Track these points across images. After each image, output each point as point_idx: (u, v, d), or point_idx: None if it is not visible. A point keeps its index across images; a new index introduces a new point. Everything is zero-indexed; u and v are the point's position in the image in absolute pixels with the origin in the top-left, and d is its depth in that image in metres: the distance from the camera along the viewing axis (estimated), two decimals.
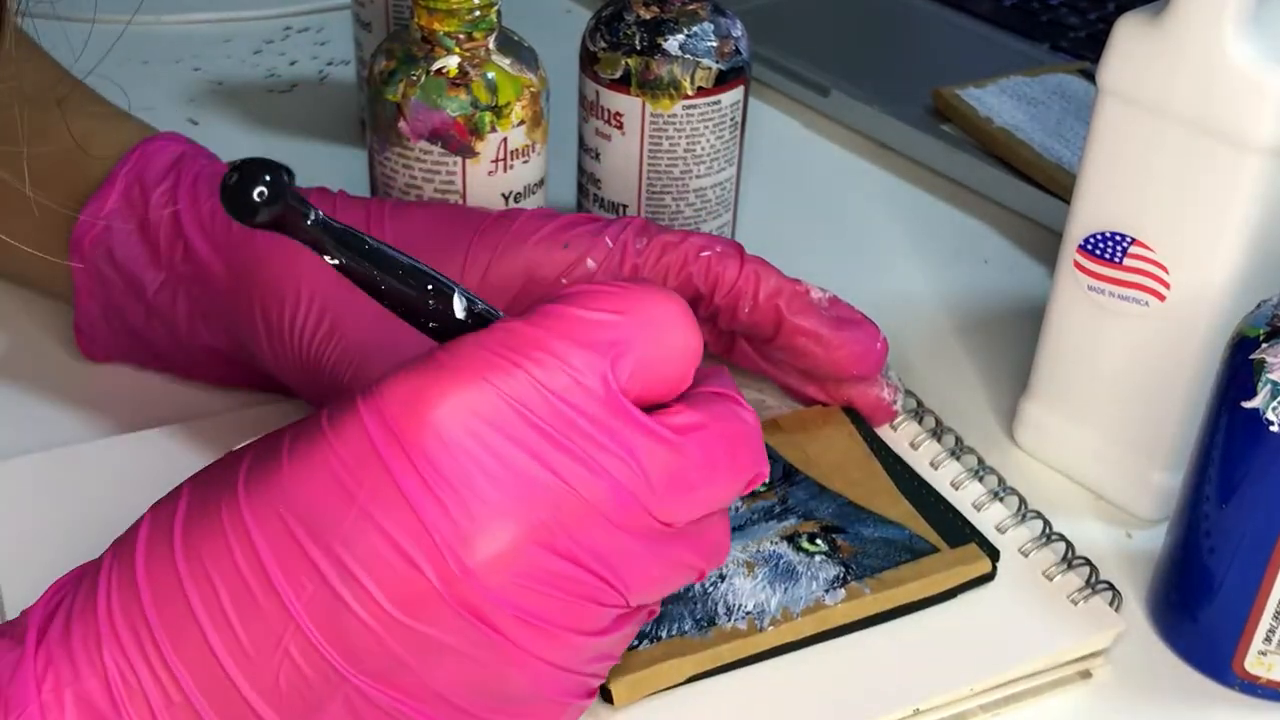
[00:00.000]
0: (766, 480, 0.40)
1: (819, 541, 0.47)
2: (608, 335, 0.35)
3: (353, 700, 0.33)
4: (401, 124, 0.55)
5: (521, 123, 0.55)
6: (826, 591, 0.46)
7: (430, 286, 0.35)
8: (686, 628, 0.44)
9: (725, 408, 0.37)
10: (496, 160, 0.55)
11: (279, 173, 0.32)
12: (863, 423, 0.53)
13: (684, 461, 0.35)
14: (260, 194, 0.31)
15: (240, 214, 0.31)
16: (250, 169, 0.31)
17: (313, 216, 0.33)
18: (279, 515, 0.33)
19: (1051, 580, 0.48)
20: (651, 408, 0.36)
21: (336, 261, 0.34)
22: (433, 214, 0.52)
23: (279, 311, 0.49)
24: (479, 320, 0.36)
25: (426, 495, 0.33)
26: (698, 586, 0.45)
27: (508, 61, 0.55)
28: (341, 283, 0.49)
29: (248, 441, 0.38)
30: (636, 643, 0.43)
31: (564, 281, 0.51)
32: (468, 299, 0.36)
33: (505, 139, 0.55)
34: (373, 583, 0.33)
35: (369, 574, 0.33)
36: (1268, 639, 0.45)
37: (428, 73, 0.54)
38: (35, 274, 0.58)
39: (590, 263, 0.51)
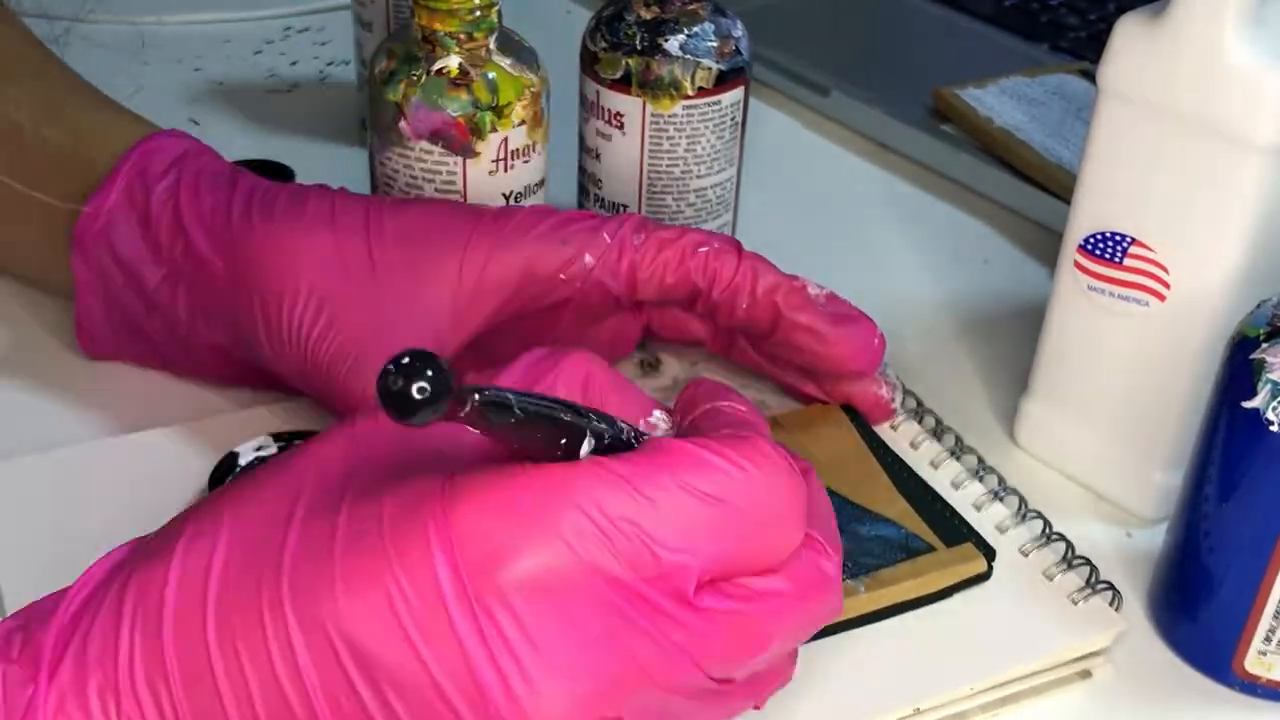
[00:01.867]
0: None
1: None
2: (708, 533, 0.33)
3: None
4: (402, 124, 0.55)
5: (522, 123, 0.55)
6: None
7: (564, 441, 0.33)
8: None
9: (807, 562, 0.36)
10: (497, 160, 0.55)
11: (438, 366, 0.29)
12: (862, 421, 0.53)
13: (753, 627, 0.34)
14: (422, 390, 0.29)
15: (401, 414, 0.29)
16: (411, 370, 0.29)
17: (469, 405, 0.30)
18: (327, 635, 0.32)
19: (1052, 580, 0.48)
20: None
21: (480, 429, 0.32)
22: (431, 210, 0.52)
23: (277, 306, 0.50)
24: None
25: (487, 659, 0.31)
26: None
27: (508, 61, 0.55)
28: (339, 278, 0.50)
29: (290, 455, 0.36)
30: None
31: (562, 277, 0.51)
32: (597, 439, 0.34)
33: (506, 139, 0.55)
34: None
35: (412, 716, 0.32)
36: (1267, 639, 0.45)
37: (428, 73, 0.54)
38: (37, 269, 0.58)
39: (588, 258, 0.51)
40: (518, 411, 0.32)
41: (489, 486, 0.32)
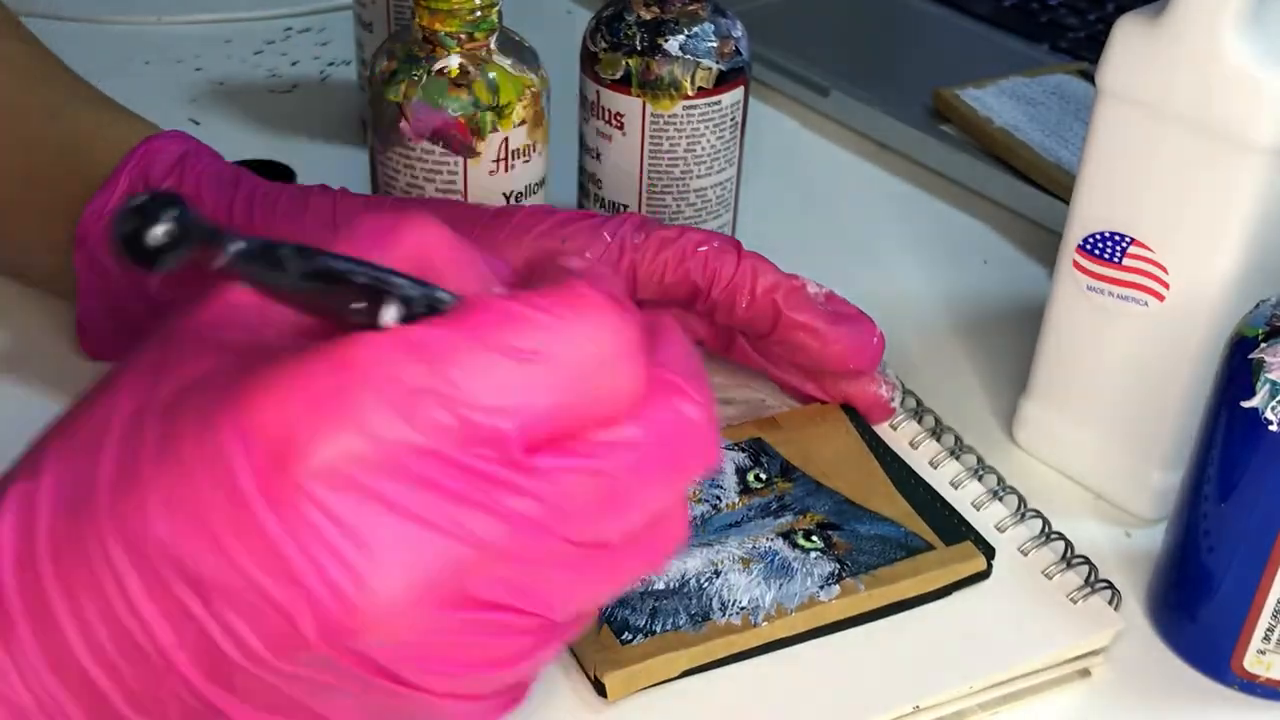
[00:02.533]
0: (716, 468, 0.37)
1: (815, 538, 0.48)
2: (526, 389, 0.31)
3: None
4: (403, 124, 0.55)
5: (523, 122, 0.56)
6: (821, 588, 0.46)
7: (354, 306, 0.31)
8: (681, 622, 0.44)
9: (667, 406, 0.33)
10: (498, 160, 0.56)
11: (183, 208, 0.26)
12: (861, 421, 0.53)
13: (611, 484, 0.32)
14: (166, 234, 0.26)
15: (136, 259, 0.26)
16: (147, 211, 0.26)
17: (224, 256, 0.28)
18: (151, 561, 0.30)
19: (1051, 579, 0.48)
20: None
21: (251, 285, 0.29)
22: (431, 210, 0.52)
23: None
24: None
25: (306, 560, 0.29)
26: (693, 582, 0.46)
27: (509, 61, 0.55)
28: None
29: (108, 374, 0.34)
30: (630, 637, 0.44)
31: None
32: (406, 305, 0.31)
33: (506, 139, 0.55)
34: (250, 633, 0.30)
35: (246, 624, 0.30)
36: (1266, 638, 0.45)
37: (429, 73, 0.54)
38: (39, 270, 0.58)
39: (589, 256, 0.51)
40: (290, 270, 0.29)
41: (280, 374, 0.30)
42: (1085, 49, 0.84)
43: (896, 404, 0.54)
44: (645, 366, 0.33)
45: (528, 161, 0.57)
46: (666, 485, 0.33)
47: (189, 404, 0.31)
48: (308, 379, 0.30)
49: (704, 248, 0.52)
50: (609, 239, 0.52)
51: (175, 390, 0.32)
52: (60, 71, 0.59)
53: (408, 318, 0.31)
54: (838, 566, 0.47)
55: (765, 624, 0.45)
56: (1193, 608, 0.47)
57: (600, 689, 0.43)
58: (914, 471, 0.51)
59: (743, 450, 0.52)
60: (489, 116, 0.55)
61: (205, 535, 0.30)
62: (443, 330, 0.31)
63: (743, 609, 0.45)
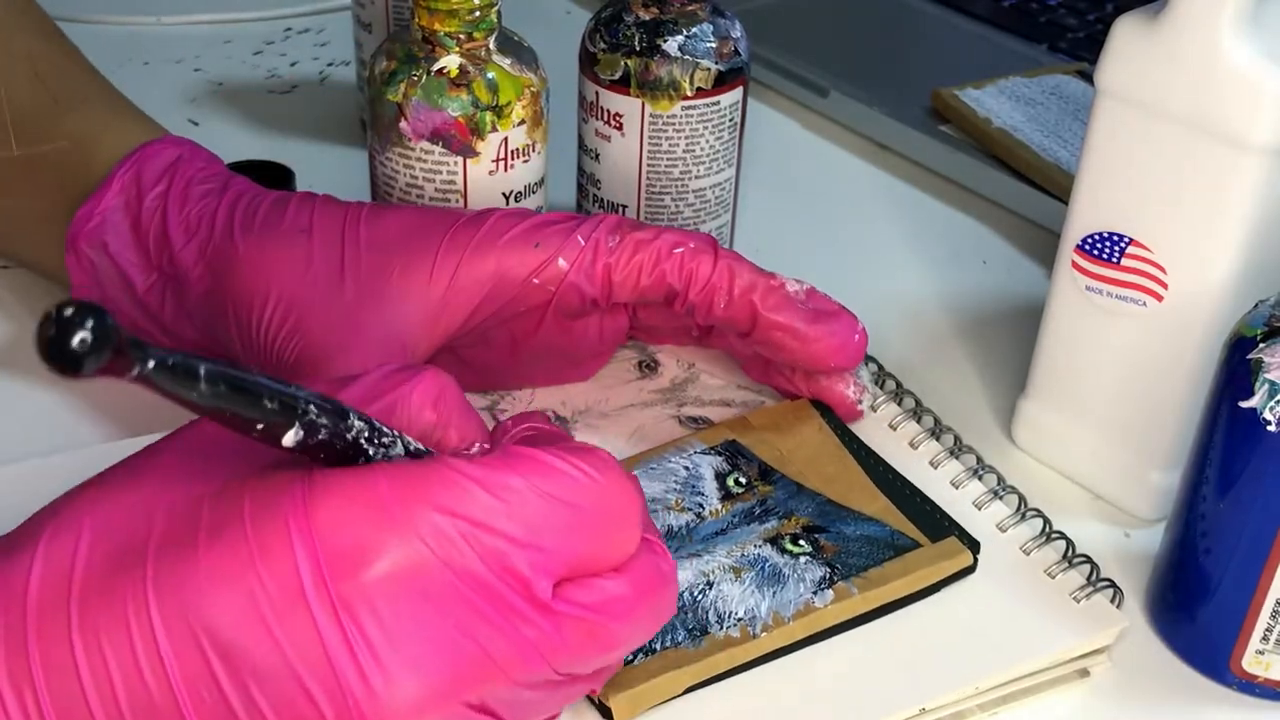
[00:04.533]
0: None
1: (802, 542, 0.47)
2: (557, 533, 0.35)
3: None
4: (402, 124, 0.55)
5: (522, 122, 0.56)
6: (815, 593, 0.46)
7: (260, 426, 0.33)
8: (680, 638, 0.44)
9: (648, 564, 0.38)
10: (497, 160, 0.56)
11: (102, 318, 0.28)
12: (832, 416, 0.53)
13: (603, 631, 0.37)
14: (83, 342, 0.27)
15: (58, 365, 0.28)
16: (70, 320, 0.27)
17: (140, 366, 0.29)
18: (190, 627, 0.33)
19: (1053, 578, 0.48)
20: None
21: (164, 394, 0.31)
22: (406, 216, 0.52)
23: (249, 311, 0.50)
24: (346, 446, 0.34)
25: (347, 654, 0.33)
26: (686, 595, 0.46)
27: (508, 61, 0.55)
28: (309, 285, 0.50)
29: (146, 449, 0.37)
30: (631, 657, 0.43)
31: (535, 281, 0.51)
32: (308, 432, 0.33)
33: (506, 138, 0.55)
34: (272, 711, 0.33)
35: (269, 702, 0.33)
36: (1265, 638, 0.45)
37: (428, 73, 0.54)
38: (47, 265, 0.58)
39: (562, 262, 0.51)
40: (204, 386, 0.31)
41: (348, 484, 0.34)
42: (1084, 49, 0.84)
43: (865, 407, 0.54)
44: (642, 529, 0.38)
45: (527, 161, 0.57)
46: (643, 634, 0.39)
47: (249, 492, 0.34)
48: (375, 493, 0.34)
49: (679, 249, 0.51)
50: (582, 242, 0.51)
51: (230, 473, 0.35)
52: (77, 69, 0.59)
53: (310, 446, 0.34)
54: (828, 570, 0.47)
55: (764, 634, 0.44)
56: (1191, 608, 0.47)
57: (606, 713, 0.42)
58: (890, 465, 0.51)
59: (719, 454, 0.51)
60: (488, 116, 0.55)
61: (255, 620, 0.33)
62: (495, 470, 0.35)
63: (740, 620, 0.45)
